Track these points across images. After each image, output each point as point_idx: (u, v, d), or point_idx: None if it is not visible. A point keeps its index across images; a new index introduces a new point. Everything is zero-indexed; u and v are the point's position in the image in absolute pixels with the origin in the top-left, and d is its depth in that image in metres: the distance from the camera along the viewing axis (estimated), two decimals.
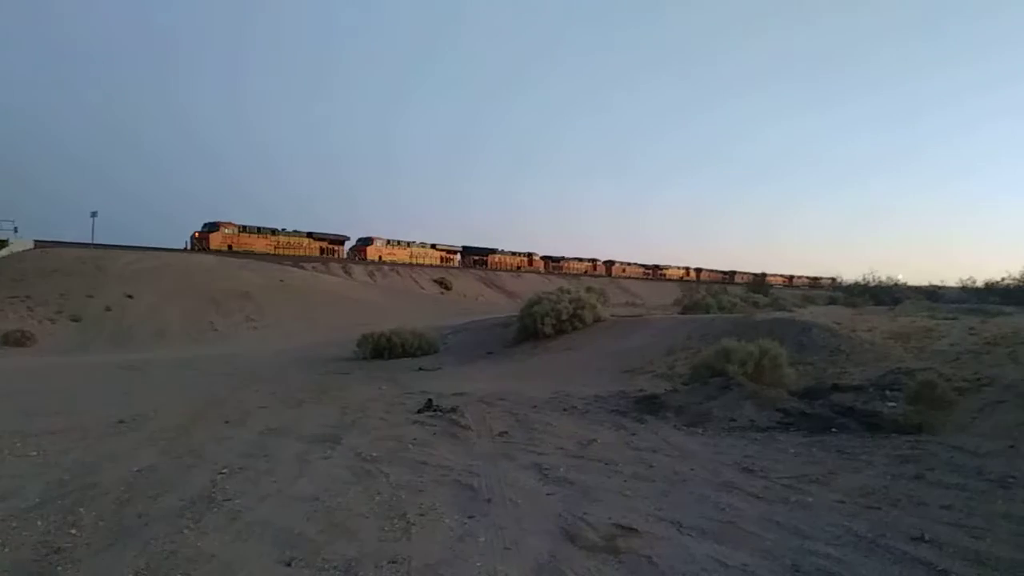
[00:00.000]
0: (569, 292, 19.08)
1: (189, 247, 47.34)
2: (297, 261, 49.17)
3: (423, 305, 37.29)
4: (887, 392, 9.08)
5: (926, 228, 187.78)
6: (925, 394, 8.25)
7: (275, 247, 51.91)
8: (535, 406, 9.22)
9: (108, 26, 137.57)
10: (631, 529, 4.43)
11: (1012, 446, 6.59)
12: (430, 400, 9.12)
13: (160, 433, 7.48)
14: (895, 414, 8.00)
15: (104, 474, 5.71)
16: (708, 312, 22.42)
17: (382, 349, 17.41)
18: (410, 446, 6.77)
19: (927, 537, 4.29)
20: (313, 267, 45.81)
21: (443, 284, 52.60)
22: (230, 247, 48.55)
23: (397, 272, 52.59)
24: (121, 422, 8.09)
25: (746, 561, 3.94)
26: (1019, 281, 37.99)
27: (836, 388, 9.61)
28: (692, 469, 6.11)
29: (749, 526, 4.54)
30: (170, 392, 11.11)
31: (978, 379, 9.16)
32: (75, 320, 24.98)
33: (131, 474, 5.70)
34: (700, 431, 7.80)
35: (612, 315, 20.13)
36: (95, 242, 40.98)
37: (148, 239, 48.16)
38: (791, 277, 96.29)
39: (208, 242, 47.87)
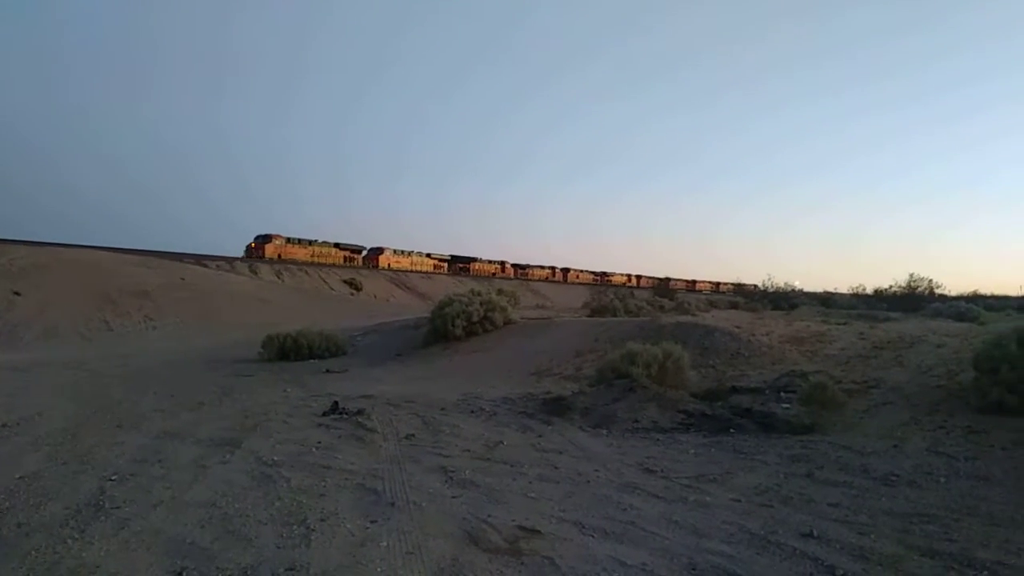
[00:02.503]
0: (480, 294, 18.97)
1: (245, 255, 52.30)
2: (331, 268, 55.10)
3: (332, 306, 36.44)
4: (782, 394, 9.47)
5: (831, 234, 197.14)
6: (817, 396, 8.63)
7: (311, 255, 57.49)
8: (443, 408, 9.16)
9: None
10: (534, 531, 4.45)
11: (896, 445, 6.97)
12: (336, 403, 8.92)
13: (46, 438, 7.04)
14: (789, 415, 8.35)
15: None
16: (615, 315, 22.85)
17: (288, 350, 16.84)
18: (313, 450, 6.60)
19: (816, 534, 4.49)
20: (217, 265, 44.04)
21: (353, 285, 51.39)
22: (279, 256, 54.06)
23: (306, 272, 51.31)
24: (3, 426, 7.59)
25: (645, 560, 4.02)
26: (905, 289, 40.27)
27: (735, 390, 9.95)
28: (596, 470, 6.20)
29: (649, 526, 4.64)
30: (59, 394, 10.40)
31: (866, 381, 9.67)
32: None
33: (12, 481, 5.37)
34: (605, 432, 7.92)
35: (522, 318, 20.23)
36: None
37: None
38: (718, 283, 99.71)
39: (264, 251, 53.31)
